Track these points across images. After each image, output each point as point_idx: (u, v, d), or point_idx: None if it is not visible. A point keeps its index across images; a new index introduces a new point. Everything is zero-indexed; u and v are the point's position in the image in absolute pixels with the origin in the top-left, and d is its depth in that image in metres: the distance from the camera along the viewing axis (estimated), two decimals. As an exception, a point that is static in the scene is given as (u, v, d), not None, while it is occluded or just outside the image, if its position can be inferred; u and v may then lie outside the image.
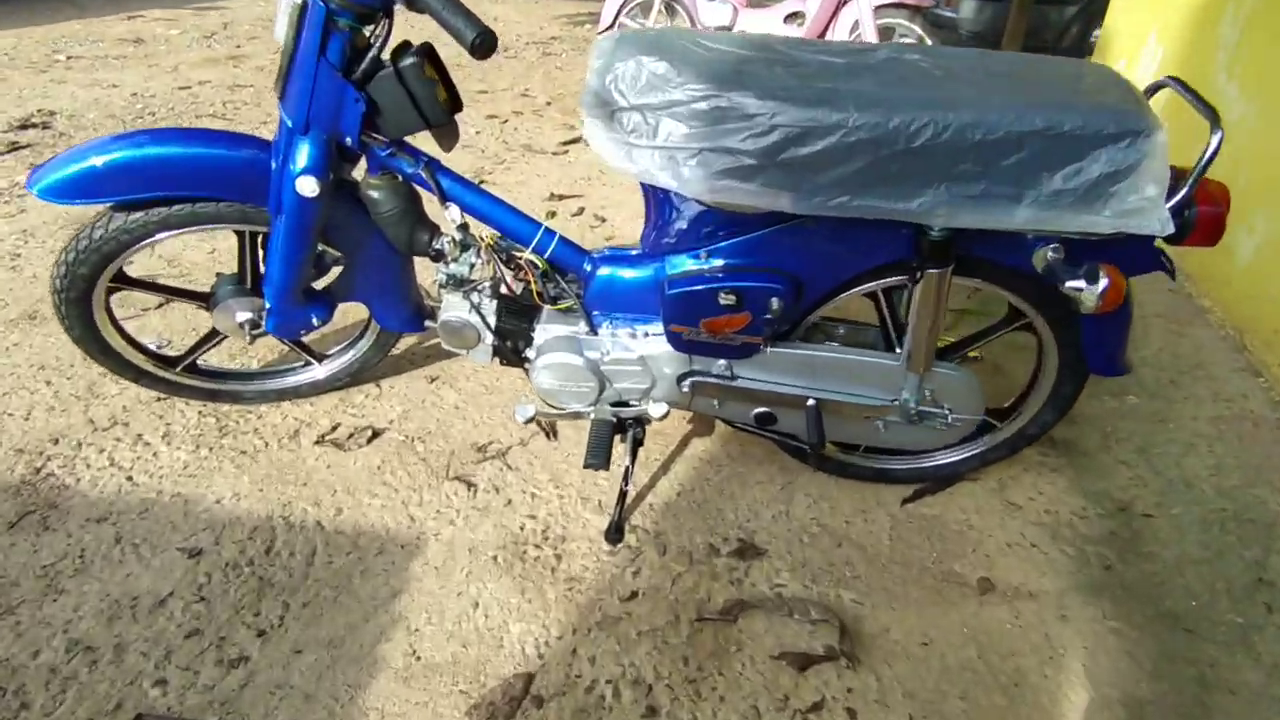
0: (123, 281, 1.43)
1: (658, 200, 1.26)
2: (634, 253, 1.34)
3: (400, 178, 1.31)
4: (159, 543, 1.40)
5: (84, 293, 1.36)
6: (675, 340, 1.31)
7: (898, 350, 1.38)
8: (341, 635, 1.26)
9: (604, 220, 2.77)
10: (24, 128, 3.25)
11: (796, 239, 1.21)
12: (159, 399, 1.73)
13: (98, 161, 1.24)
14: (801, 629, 1.32)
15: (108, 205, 1.31)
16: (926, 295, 1.20)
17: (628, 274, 1.34)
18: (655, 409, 1.39)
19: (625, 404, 1.47)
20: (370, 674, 1.20)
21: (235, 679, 1.19)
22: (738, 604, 1.35)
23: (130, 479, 1.53)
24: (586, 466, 1.35)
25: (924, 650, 1.30)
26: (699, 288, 1.24)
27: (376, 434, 1.69)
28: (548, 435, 1.72)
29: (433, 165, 1.28)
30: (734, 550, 1.47)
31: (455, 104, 1.24)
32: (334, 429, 1.70)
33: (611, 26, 4.11)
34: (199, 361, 1.65)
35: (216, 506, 1.48)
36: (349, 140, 1.21)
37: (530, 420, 1.41)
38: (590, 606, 1.34)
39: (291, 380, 1.73)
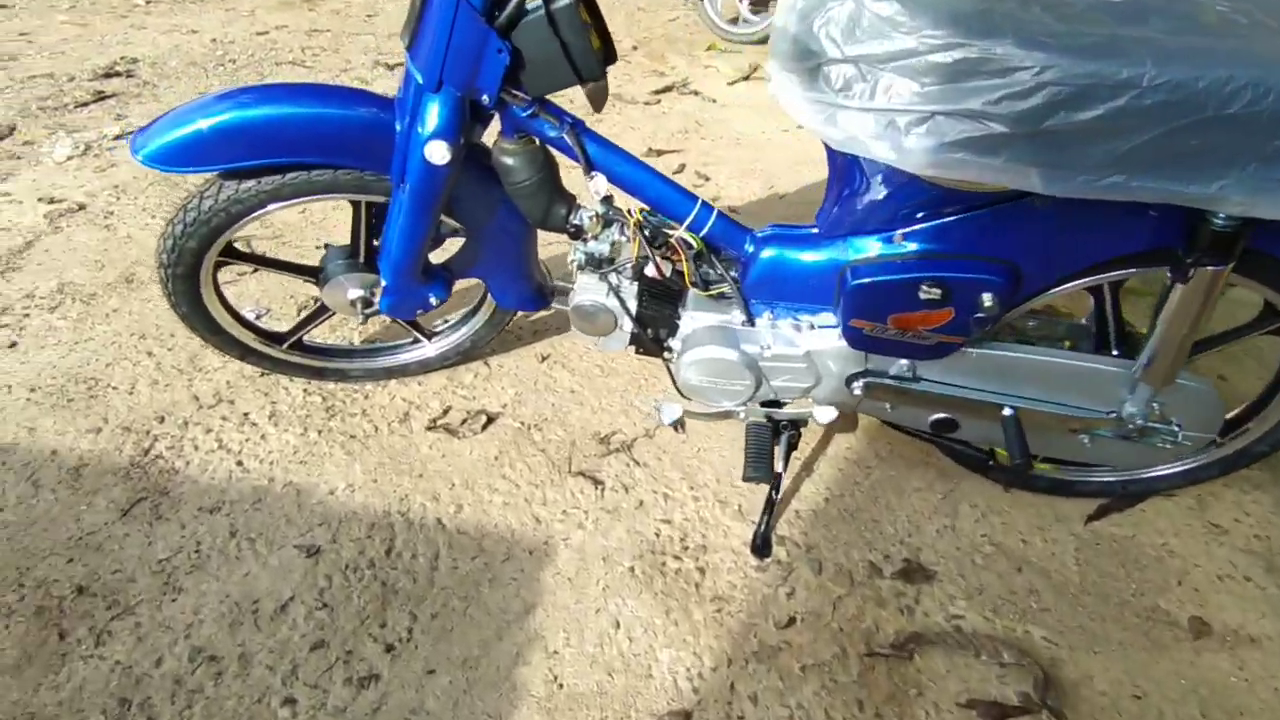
0: (231, 255, 1.31)
1: (844, 169, 1.05)
2: (807, 232, 1.15)
3: (538, 142, 1.13)
4: (275, 538, 1.30)
5: (192, 268, 1.25)
6: (853, 336, 1.12)
7: (1114, 353, 1.16)
8: (475, 654, 1.15)
9: (707, 179, 2.55)
10: (108, 76, 3.17)
11: (1022, 220, 0.99)
12: (261, 374, 1.63)
13: (204, 125, 1.09)
14: (989, 671, 1.15)
15: (215, 173, 1.17)
16: (1192, 295, 0.97)
17: (798, 257, 1.14)
18: (822, 413, 1.20)
19: (777, 403, 1.29)
20: (511, 702, 1.09)
21: (367, 701, 1.09)
22: (912, 638, 1.19)
23: (240, 464, 1.44)
24: (747, 479, 1.19)
25: (1138, 706, 1.11)
26: (893, 278, 1.04)
27: (490, 419, 1.56)
28: (675, 427, 1.55)
29: (578, 127, 1.10)
30: (899, 571, 1.30)
31: (609, 54, 1.05)
32: (445, 413, 1.57)
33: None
34: (305, 338, 1.53)
35: (330, 498, 1.38)
36: (486, 99, 1.04)
37: (677, 422, 1.24)
38: (743, 633, 1.19)
39: (400, 358, 1.60)
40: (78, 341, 1.70)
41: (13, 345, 1.68)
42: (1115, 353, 1.16)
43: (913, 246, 1.05)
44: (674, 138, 2.87)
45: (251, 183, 1.15)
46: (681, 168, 2.63)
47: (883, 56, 0.83)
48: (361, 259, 1.34)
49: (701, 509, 1.40)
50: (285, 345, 1.51)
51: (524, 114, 1.07)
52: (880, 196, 1.02)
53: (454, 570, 1.27)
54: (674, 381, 1.35)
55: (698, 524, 1.37)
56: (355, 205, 1.28)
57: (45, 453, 1.43)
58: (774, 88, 0.95)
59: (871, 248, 1.08)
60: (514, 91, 1.04)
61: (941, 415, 1.22)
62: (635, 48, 3.86)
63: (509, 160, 1.12)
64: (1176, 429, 1.14)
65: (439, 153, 1.07)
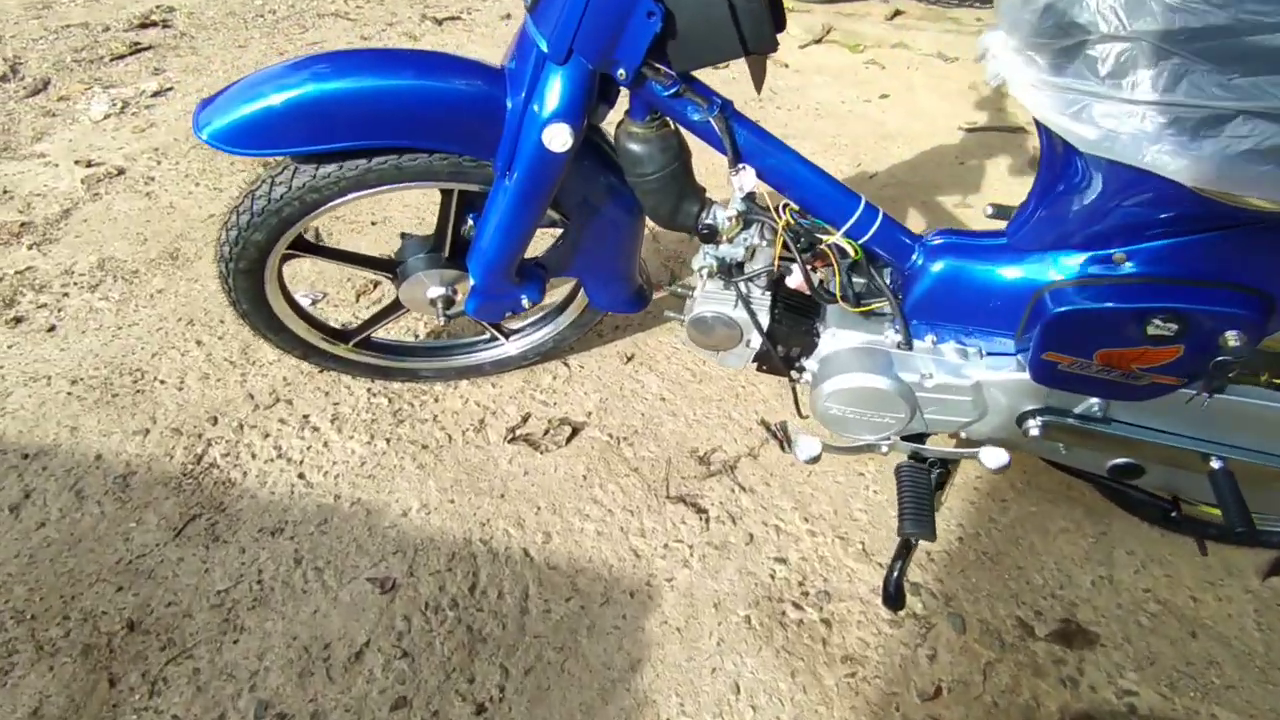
0: (300, 248, 1.14)
1: (1061, 167, 0.85)
2: (996, 242, 0.95)
3: (672, 125, 0.94)
4: (345, 568, 1.16)
5: (257, 262, 1.08)
6: (1043, 370, 0.93)
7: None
8: (578, 721, 1.00)
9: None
10: (144, 26, 2.98)
11: (1287, 242, 0.79)
12: (320, 370, 1.47)
13: (276, 100, 0.91)
14: (1178, 766, 0.99)
15: (289, 155, 0.99)
16: None
17: (981, 272, 0.95)
18: (992, 456, 1.02)
19: (920, 437, 1.11)
20: (623, 785, 0.95)
21: (458, 775, 0.95)
22: (1080, 717, 1.02)
23: (303, 476, 1.29)
24: (906, 535, 1.01)
25: (1362, 818, 0.94)
26: (1114, 307, 0.85)
27: (575, 430, 1.39)
28: (782, 446, 1.38)
29: (727, 110, 0.91)
30: (1055, 632, 1.13)
31: (779, 19, 0.85)
32: (524, 420, 1.41)
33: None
34: (373, 335, 1.37)
35: (404, 520, 1.23)
36: (623, 73, 0.85)
37: (814, 460, 1.06)
38: (884, 704, 1.04)
39: (475, 358, 1.44)
40: (121, 327, 1.55)
41: (51, 330, 1.54)
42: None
43: (1133, 268, 0.85)
44: (746, 108, 2.63)
45: (332, 168, 0.97)
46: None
47: (1182, 35, 0.63)
48: (445, 252, 1.16)
49: (820, 546, 1.23)
50: (353, 343, 1.35)
51: (665, 93, 0.88)
52: (1109, 206, 0.82)
53: (546, 615, 1.12)
54: (797, 405, 1.18)
55: (817, 565, 1.21)
56: (446, 195, 1.10)
57: (90, 457, 1.29)
58: (999, 67, 0.75)
59: (1081, 267, 0.88)
60: (658, 65, 0.85)
61: (1126, 460, 1.04)
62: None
63: (638, 147, 0.94)
64: None
65: (560, 138, 0.88)
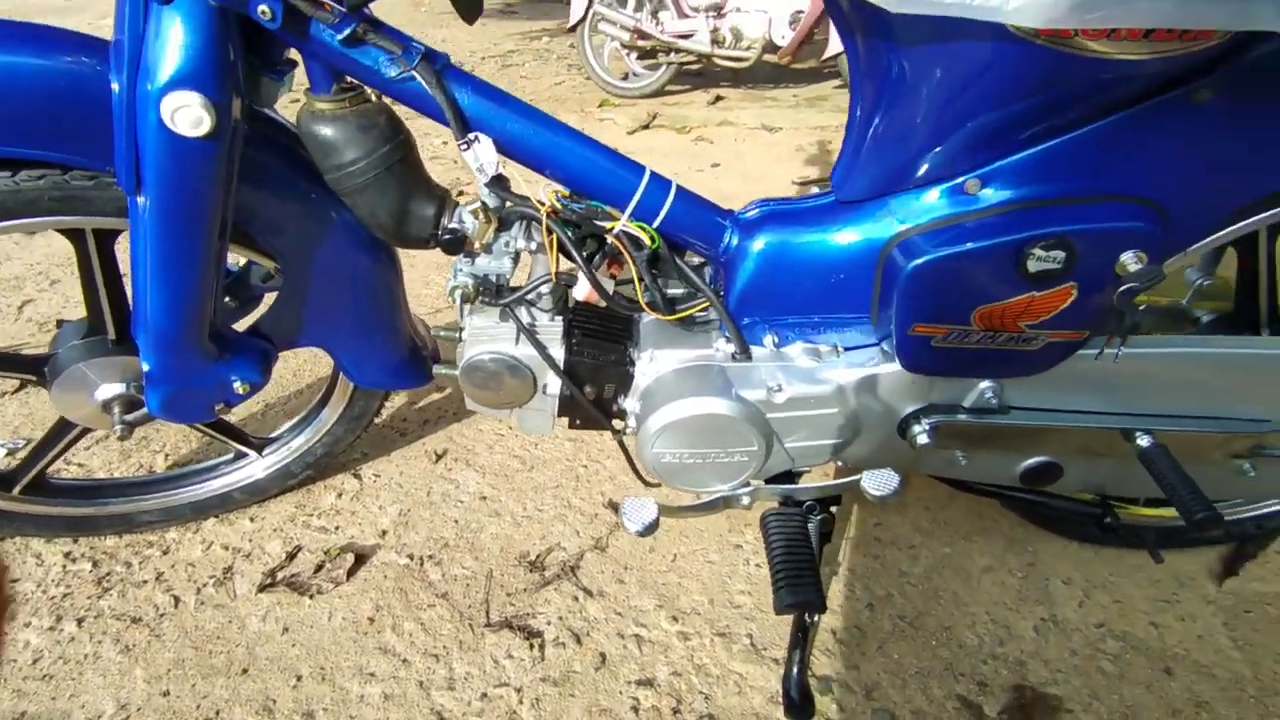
0: None
1: (878, 79, 0.65)
2: (819, 201, 0.74)
3: (374, 96, 0.69)
4: (-38, 842, 0.73)
5: None
6: (913, 352, 0.71)
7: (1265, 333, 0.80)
8: None
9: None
10: None
11: (1170, 131, 0.62)
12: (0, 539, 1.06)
13: None
14: None
15: None
16: None
17: (809, 241, 0.73)
18: (874, 481, 0.77)
19: (790, 476, 0.85)
20: None
21: None
22: (1074, 827, 0.73)
23: (-74, 702, 0.85)
24: (785, 611, 0.72)
25: None
26: (974, 247, 0.64)
27: (361, 559, 1.04)
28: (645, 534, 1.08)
29: (432, 60, 0.66)
30: (1008, 707, 0.85)
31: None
32: (290, 558, 1.04)
33: (584, 19, 3.56)
34: (50, 473, 0.98)
35: (83, 739, 0.82)
36: (265, 9, 0.59)
37: (650, 530, 0.77)
38: None
39: (216, 485, 1.07)
40: None
41: None
42: (1266, 332, 0.80)
43: (997, 194, 0.66)
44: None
45: None
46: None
47: None
48: (111, 333, 0.83)
49: (695, 652, 0.92)
50: (18, 489, 0.96)
51: (338, 41, 0.63)
52: (938, 110, 0.63)
53: (299, 846, 0.72)
54: (632, 463, 0.90)
55: (694, 678, 0.89)
56: (75, 239, 0.78)
57: None
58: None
59: (930, 208, 0.68)
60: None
61: (1039, 460, 0.82)
62: (521, 108, 3.54)
63: (326, 129, 0.67)
64: (1384, 434, 0.77)
65: (189, 114, 0.60)
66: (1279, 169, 0.64)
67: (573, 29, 3.60)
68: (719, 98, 3.55)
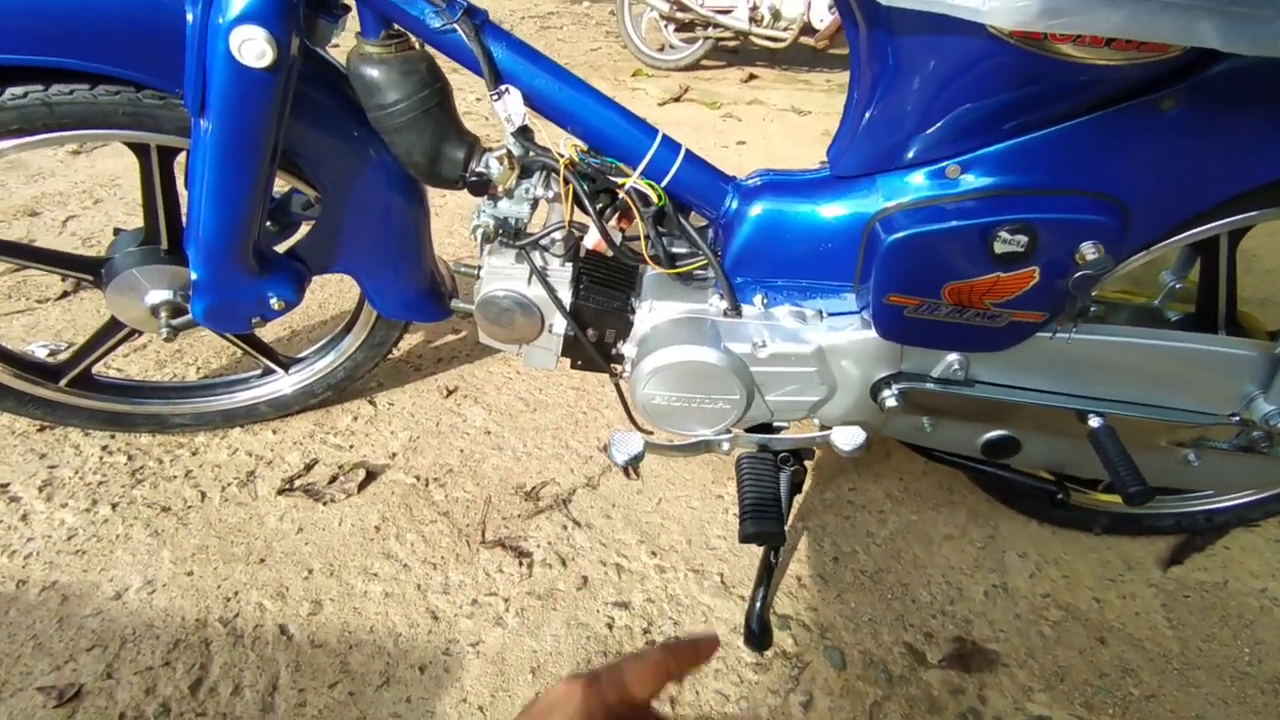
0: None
1: (875, 66, 0.72)
2: (816, 175, 0.81)
3: (418, 44, 0.76)
4: (10, 677, 0.83)
5: None
6: (887, 320, 0.78)
7: (1221, 331, 0.86)
8: None
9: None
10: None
11: (1137, 134, 0.68)
12: (41, 428, 1.15)
13: None
14: (1111, 805, 0.79)
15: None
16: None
17: (803, 211, 0.80)
18: (844, 436, 0.84)
19: (770, 427, 0.93)
20: None
21: None
22: (991, 759, 0.82)
23: (-22, 560, 0.95)
24: (747, 540, 0.80)
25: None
26: (951, 226, 0.71)
27: (372, 475, 1.13)
28: (627, 471, 1.16)
29: (473, 15, 0.73)
30: (949, 655, 0.93)
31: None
32: (308, 469, 1.13)
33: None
34: (95, 371, 1.08)
35: (114, 605, 0.92)
36: (328, -39, 0.66)
37: (635, 462, 0.85)
38: (750, 774, 0.80)
39: (244, 396, 1.16)
40: None
41: None
42: (1224, 332, 0.86)
43: (974, 180, 0.72)
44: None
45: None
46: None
47: None
48: (163, 243, 0.91)
49: (670, 583, 1.00)
50: (64, 381, 1.05)
51: (391, -9, 0.70)
52: (928, 99, 0.69)
53: (300, 710, 0.82)
54: (627, 406, 0.98)
55: (666, 606, 0.97)
56: (140, 153, 0.86)
57: None
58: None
59: (913, 188, 0.74)
60: (371, -51, 0.67)
61: (999, 433, 0.89)
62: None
63: (373, 71, 0.75)
64: (1323, 434, 0.83)
65: (254, 46, 0.68)
66: (1237, 177, 0.70)
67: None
68: (752, 76, 3.57)
